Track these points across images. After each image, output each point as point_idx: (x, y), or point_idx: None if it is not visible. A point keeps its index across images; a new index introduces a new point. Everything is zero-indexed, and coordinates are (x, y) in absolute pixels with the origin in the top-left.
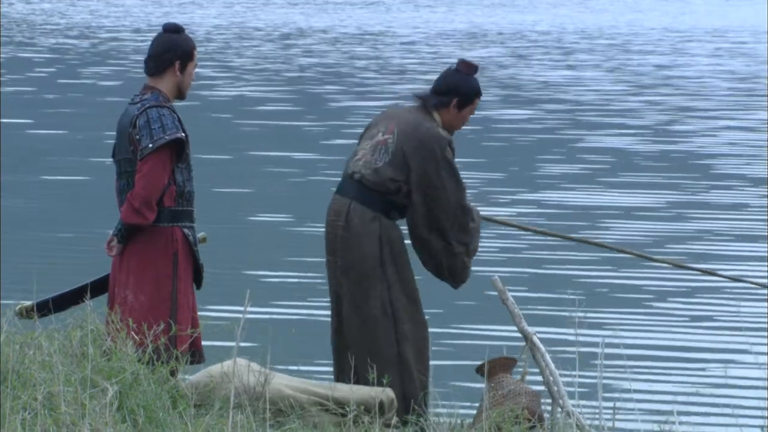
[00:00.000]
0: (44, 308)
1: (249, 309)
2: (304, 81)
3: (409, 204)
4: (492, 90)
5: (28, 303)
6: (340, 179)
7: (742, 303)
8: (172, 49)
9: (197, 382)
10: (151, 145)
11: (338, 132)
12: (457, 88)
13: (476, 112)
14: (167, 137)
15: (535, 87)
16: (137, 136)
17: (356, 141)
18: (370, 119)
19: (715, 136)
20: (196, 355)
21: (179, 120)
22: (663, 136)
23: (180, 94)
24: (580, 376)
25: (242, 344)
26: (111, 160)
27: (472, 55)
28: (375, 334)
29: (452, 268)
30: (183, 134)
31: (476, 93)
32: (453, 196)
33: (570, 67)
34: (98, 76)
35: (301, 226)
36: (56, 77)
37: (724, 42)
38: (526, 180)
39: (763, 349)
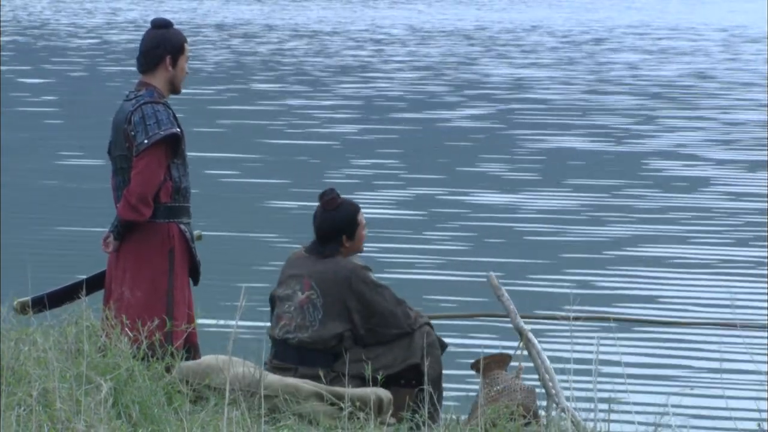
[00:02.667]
0: (39, 304)
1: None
2: (249, 78)
3: (370, 339)
4: (452, 88)
5: (23, 299)
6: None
7: (738, 302)
8: (161, 45)
9: (190, 367)
10: (146, 141)
11: (280, 131)
12: (339, 226)
13: (432, 112)
14: (162, 133)
15: (497, 85)
16: (132, 133)
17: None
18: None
19: (667, 137)
20: (192, 351)
21: (174, 116)
22: (616, 137)
23: (174, 89)
24: (575, 373)
25: (234, 348)
26: (107, 157)
27: (437, 51)
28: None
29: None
30: (178, 130)
31: (353, 217)
32: (392, 306)
33: (533, 66)
34: (65, 71)
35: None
36: (19, 75)
37: (689, 40)
38: (477, 180)
39: (759, 348)
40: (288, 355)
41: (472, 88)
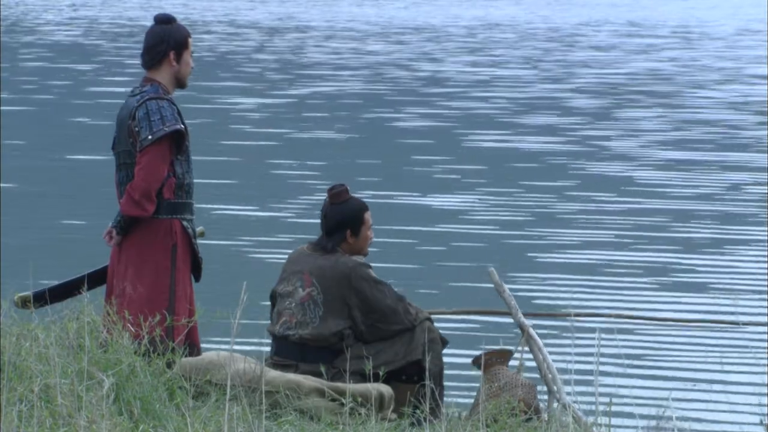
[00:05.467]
0: (41, 299)
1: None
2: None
3: (369, 334)
4: (414, 85)
5: (25, 293)
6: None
7: (740, 296)
8: (165, 40)
9: (192, 363)
10: (150, 137)
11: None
12: (344, 219)
13: (390, 111)
14: (166, 129)
15: (458, 84)
16: (136, 128)
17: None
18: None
19: (622, 138)
20: (194, 349)
21: (179, 112)
22: (569, 136)
23: (179, 84)
24: (577, 369)
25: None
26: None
27: (413, 48)
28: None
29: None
30: (182, 126)
31: (362, 211)
32: (392, 302)
33: (496, 64)
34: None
35: None
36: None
37: (649, 37)
38: (428, 182)
39: (760, 341)
40: (289, 351)
41: (436, 85)
